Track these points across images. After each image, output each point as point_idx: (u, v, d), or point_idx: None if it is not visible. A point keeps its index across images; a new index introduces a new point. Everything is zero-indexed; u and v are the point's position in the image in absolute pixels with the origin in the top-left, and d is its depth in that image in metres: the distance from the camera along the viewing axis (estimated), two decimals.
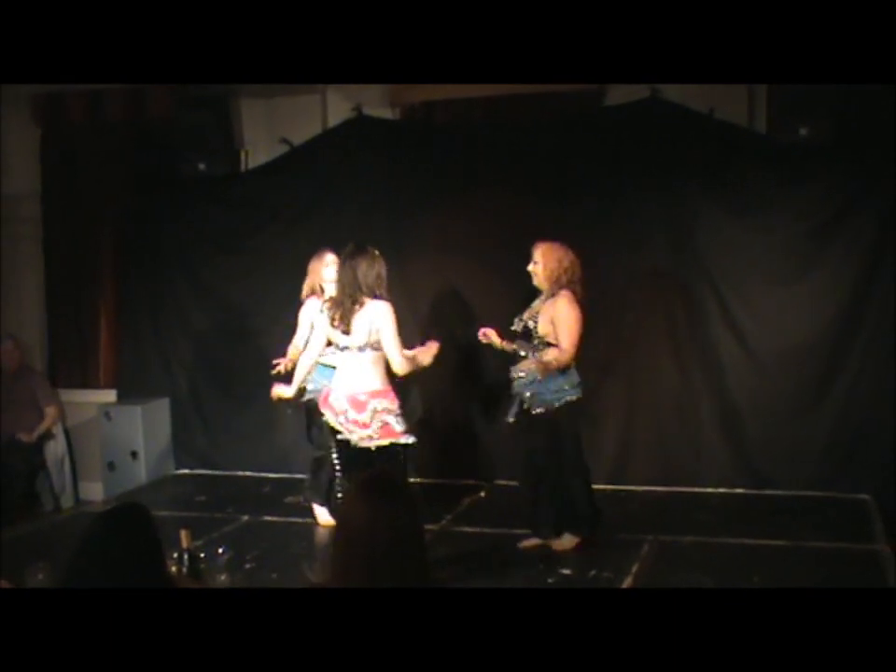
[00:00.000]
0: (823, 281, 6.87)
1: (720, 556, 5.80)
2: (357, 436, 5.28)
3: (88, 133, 8.23)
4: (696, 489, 7.08)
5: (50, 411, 8.13)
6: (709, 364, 7.15)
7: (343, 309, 5.28)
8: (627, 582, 5.38)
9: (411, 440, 5.34)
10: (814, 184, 6.84)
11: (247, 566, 5.76)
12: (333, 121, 7.82)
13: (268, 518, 6.86)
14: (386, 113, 7.76)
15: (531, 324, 5.79)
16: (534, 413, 5.77)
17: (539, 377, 5.66)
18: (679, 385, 7.21)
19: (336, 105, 7.74)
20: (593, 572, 5.56)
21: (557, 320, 5.70)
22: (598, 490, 7.12)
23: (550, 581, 5.49)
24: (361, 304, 5.25)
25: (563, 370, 5.70)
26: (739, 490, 7.02)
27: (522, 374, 5.79)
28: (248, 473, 8.01)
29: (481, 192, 7.29)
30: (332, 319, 5.34)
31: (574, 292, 5.74)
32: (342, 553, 2.58)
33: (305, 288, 6.44)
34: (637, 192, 7.12)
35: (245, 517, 6.90)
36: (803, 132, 6.60)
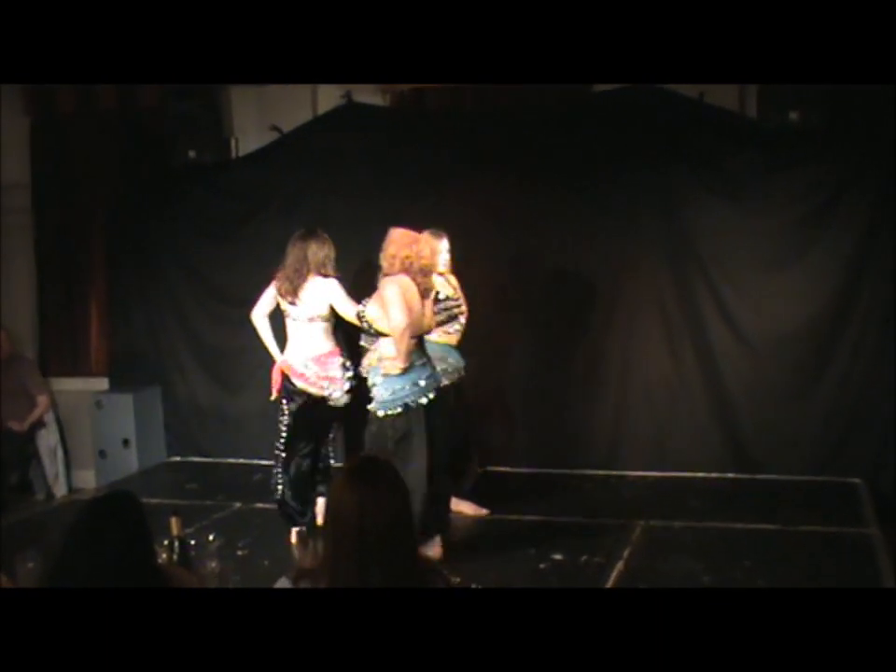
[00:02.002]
0: (816, 266, 6.86)
1: (711, 541, 5.81)
2: (330, 391, 5.94)
3: (78, 122, 8.20)
4: (688, 474, 7.08)
5: (42, 399, 8.11)
6: (702, 349, 7.14)
7: (292, 284, 5.88)
8: (619, 567, 5.39)
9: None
10: (805, 168, 6.83)
11: (239, 552, 5.78)
12: (323, 108, 7.79)
13: (260, 505, 6.84)
14: (377, 100, 7.73)
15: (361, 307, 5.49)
16: (380, 414, 5.39)
17: (381, 373, 5.40)
18: (672, 370, 7.20)
19: (326, 92, 7.70)
20: (584, 557, 5.57)
21: (382, 301, 5.34)
22: (591, 475, 7.19)
23: (541, 566, 5.50)
24: (306, 280, 5.86)
25: (403, 371, 5.31)
26: (731, 475, 7.03)
27: (366, 365, 5.68)
28: (240, 461, 7.99)
29: (471, 178, 7.27)
30: (280, 290, 5.93)
31: (413, 279, 5.39)
32: (331, 537, 2.58)
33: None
34: (628, 178, 7.10)
35: (237, 504, 6.91)
36: (793, 116, 6.58)
